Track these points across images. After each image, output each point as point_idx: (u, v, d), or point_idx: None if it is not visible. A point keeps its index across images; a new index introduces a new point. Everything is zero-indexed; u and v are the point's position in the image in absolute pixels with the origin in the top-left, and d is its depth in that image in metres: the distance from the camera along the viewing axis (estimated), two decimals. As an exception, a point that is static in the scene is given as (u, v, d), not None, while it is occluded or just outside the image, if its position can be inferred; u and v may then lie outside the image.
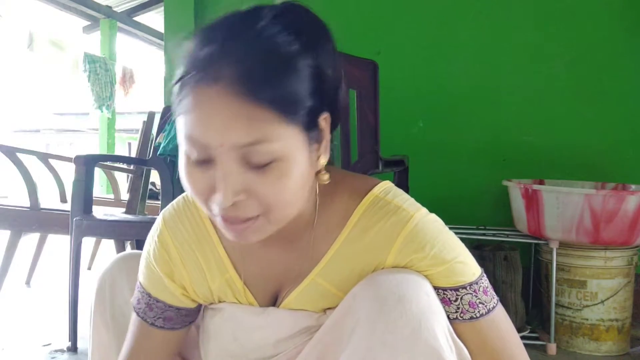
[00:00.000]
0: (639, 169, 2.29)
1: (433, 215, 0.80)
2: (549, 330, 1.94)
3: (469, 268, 0.78)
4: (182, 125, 0.68)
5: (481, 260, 2.01)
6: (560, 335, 1.98)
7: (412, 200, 0.80)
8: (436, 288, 0.77)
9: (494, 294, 0.80)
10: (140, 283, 0.88)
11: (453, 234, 0.80)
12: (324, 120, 0.72)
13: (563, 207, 1.87)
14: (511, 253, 2.03)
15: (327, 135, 0.73)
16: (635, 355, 1.96)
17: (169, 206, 0.88)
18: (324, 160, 0.74)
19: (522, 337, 1.91)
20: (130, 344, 0.87)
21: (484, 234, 2.09)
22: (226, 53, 0.66)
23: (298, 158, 0.68)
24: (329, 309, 0.81)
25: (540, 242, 2.03)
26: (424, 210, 0.79)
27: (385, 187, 0.81)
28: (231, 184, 0.67)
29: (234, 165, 0.66)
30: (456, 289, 0.77)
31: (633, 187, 2.11)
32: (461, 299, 0.77)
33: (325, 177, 0.75)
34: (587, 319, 1.93)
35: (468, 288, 0.77)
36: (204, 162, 0.68)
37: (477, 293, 0.77)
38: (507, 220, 2.19)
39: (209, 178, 0.68)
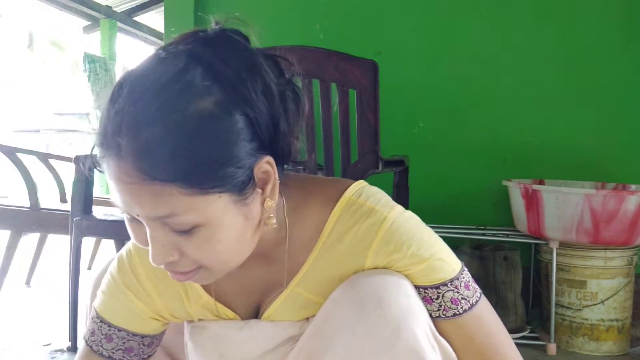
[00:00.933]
0: (639, 169, 2.28)
1: (409, 213, 0.79)
2: (549, 330, 1.94)
3: (448, 264, 0.77)
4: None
5: (481, 260, 2.01)
6: (560, 335, 1.98)
7: (387, 198, 0.79)
8: (417, 287, 0.76)
9: (477, 287, 0.79)
10: (97, 314, 0.84)
11: (430, 230, 0.79)
12: (266, 163, 0.68)
13: (563, 207, 1.87)
14: (511, 253, 2.03)
15: (273, 177, 0.69)
16: (635, 355, 1.96)
17: None
18: (271, 203, 0.70)
19: (522, 337, 1.92)
20: None
21: (484, 234, 2.09)
22: (126, 124, 0.61)
23: (224, 221, 0.66)
24: (312, 316, 0.80)
25: (540, 242, 2.02)
26: (399, 208, 0.78)
27: (357, 189, 0.79)
28: (158, 246, 0.66)
29: (159, 230, 0.65)
30: (437, 287, 0.76)
31: (633, 187, 2.11)
32: (442, 296, 0.76)
33: (272, 221, 0.72)
34: (587, 319, 1.93)
35: (449, 285, 0.76)
36: (135, 219, 0.67)
37: (458, 289, 0.76)
38: (507, 220, 2.19)
39: (143, 233, 0.67)
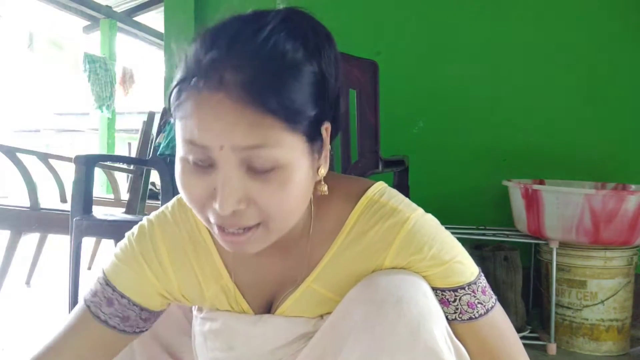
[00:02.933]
0: (639, 169, 2.29)
1: (429, 216, 0.79)
2: (549, 330, 1.94)
3: (467, 268, 0.78)
4: (181, 129, 0.66)
5: (481, 260, 2.01)
6: (560, 335, 1.98)
7: (408, 200, 0.80)
8: (434, 289, 0.76)
9: (492, 293, 0.80)
10: (105, 275, 0.82)
11: (450, 233, 0.79)
12: (326, 130, 0.72)
13: (563, 207, 1.87)
14: (511, 253, 2.03)
15: (327, 145, 0.73)
16: (635, 355, 1.96)
17: (163, 208, 0.85)
18: (323, 170, 0.73)
19: (522, 337, 1.92)
20: (62, 334, 0.81)
21: (484, 234, 2.09)
22: (230, 58, 0.64)
23: (300, 166, 0.68)
24: (326, 314, 0.80)
25: (540, 242, 2.02)
26: (420, 210, 0.78)
27: (380, 189, 0.80)
28: (231, 191, 0.65)
29: (235, 170, 0.65)
30: (455, 290, 0.76)
31: (633, 187, 2.11)
32: (460, 299, 0.76)
33: (324, 188, 0.74)
34: (587, 319, 1.93)
35: (466, 288, 0.77)
36: (204, 166, 0.66)
37: (475, 293, 0.77)
38: (507, 220, 2.19)
39: (208, 184, 0.66)
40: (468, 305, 0.76)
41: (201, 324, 0.87)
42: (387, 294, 0.71)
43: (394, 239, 0.75)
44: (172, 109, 0.68)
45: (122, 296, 0.81)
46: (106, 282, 0.82)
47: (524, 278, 2.07)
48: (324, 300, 0.80)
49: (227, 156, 0.64)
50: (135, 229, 0.84)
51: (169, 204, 0.85)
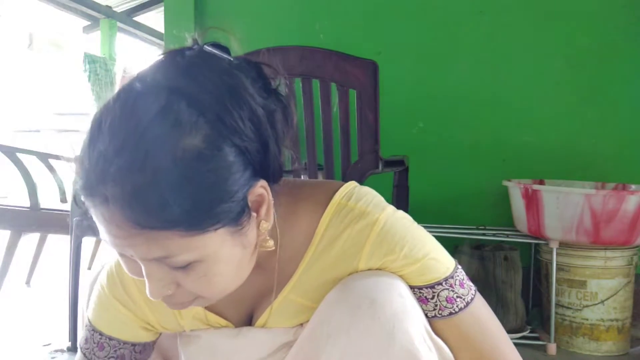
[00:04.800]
0: (639, 169, 2.28)
1: (400, 213, 0.78)
2: (549, 330, 1.94)
3: (442, 264, 0.77)
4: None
5: (481, 260, 2.01)
6: (560, 335, 1.98)
7: (378, 199, 0.78)
8: (412, 287, 0.76)
9: (471, 284, 0.79)
10: (89, 321, 0.84)
11: (423, 229, 0.78)
12: (260, 187, 0.66)
13: (563, 207, 1.87)
14: (511, 253, 2.03)
15: (267, 199, 0.68)
16: (635, 355, 1.96)
17: None
18: (266, 225, 0.69)
19: (522, 337, 1.92)
20: None
21: (484, 234, 2.09)
22: (108, 172, 0.58)
23: (222, 254, 0.65)
24: (305, 322, 0.79)
25: (540, 242, 2.02)
26: (390, 209, 0.77)
27: (347, 191, 0.78)
28: (155, 282, 0.65)
29: (154, 267, 0.64)
30: (432, 287, 0.76)
31: (633, 187, 2.11)
32: (438, 295, 0.76)
33: (270, 243, 0.71)
34: (587, 319, 1.93)
35: (444, 284, 0.76)
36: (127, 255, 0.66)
37: (453, 287, 0.76)
38: (507, 220, 2.19)
39: (137, 267, 0.66)
40: (447, 300, 0.76)
41: (185, 342, 0.86)
42: (361, 297, 0.70)
43: (365, 242, 0.74)
44: None
45: (111, 338, 0.83)
46: (93, 329, 0.84)
47: (523, 278, 2.07)
48: (302, 308, 0.79)
49: (140, 260, 0.64)
50: (104, 272, 0.84)
51: None
